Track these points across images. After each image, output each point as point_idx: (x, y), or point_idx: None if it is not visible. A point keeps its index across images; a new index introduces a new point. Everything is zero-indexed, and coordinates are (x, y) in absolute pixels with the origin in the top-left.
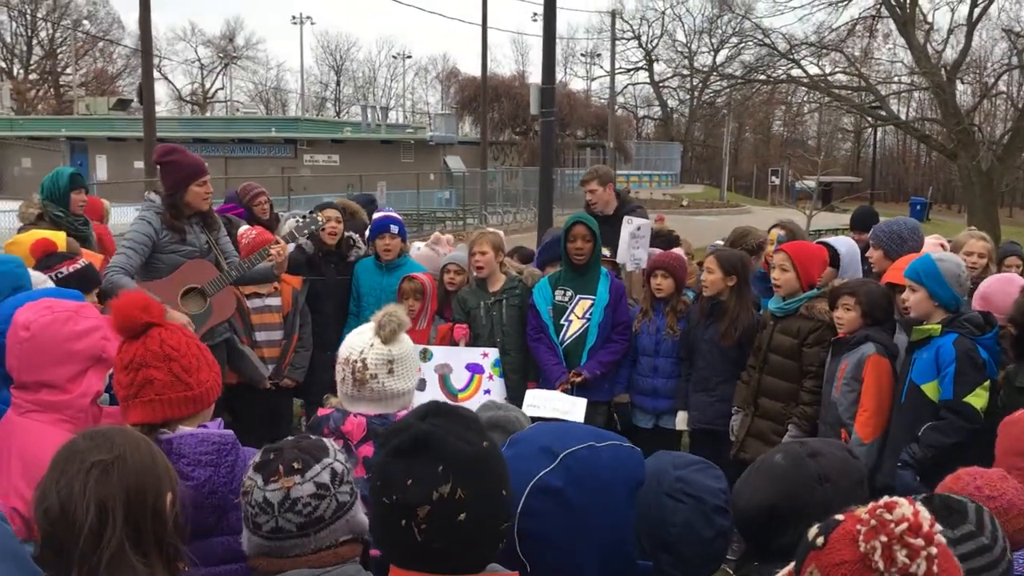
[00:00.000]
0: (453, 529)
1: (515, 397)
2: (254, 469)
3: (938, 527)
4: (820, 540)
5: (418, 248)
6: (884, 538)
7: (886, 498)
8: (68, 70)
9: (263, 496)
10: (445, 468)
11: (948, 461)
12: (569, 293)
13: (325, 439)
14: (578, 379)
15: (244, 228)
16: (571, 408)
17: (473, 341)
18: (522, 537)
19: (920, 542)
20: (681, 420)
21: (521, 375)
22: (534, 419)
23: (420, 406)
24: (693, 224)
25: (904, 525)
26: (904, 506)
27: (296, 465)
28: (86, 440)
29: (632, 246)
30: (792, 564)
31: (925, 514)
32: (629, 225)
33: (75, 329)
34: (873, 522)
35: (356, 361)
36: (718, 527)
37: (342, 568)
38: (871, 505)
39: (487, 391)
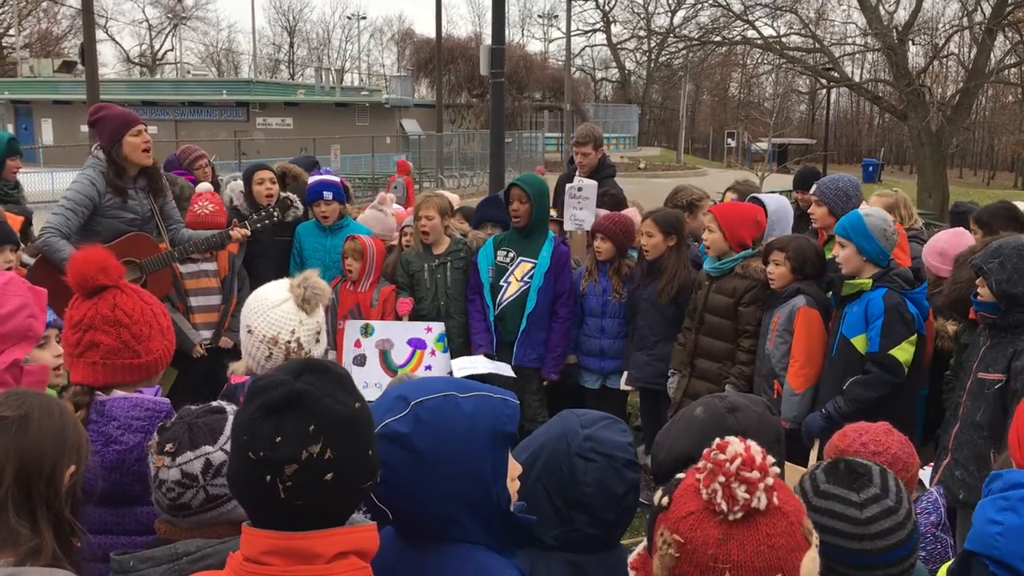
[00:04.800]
0: (318, 488)
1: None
2: (158, 429)
3: (771, 459)
4: (665, 500)
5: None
6: (722, 478)
7: (717, 440)
8: (11, 31)
9: (151, 461)
10: (317, 428)
11: (870, 415)
12: (511, 255)
13: (229, 421)
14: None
15: (203, 189)
16: (499, 367)
17: (417, 304)
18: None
19: (756, 475)
20: (623, 380)
21: (466, 338)
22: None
23: (295, 361)
24: (649, 186)
25: (738, 461)
26: (735, 443)
27: (169, 447)
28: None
29: (573, 207)
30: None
31: (756, 447)
32: (570, 186)
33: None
34: (709, 465)
35: (290, 342)
36: (629, 481)
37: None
38: (705, 451)
39: (428, 367)
